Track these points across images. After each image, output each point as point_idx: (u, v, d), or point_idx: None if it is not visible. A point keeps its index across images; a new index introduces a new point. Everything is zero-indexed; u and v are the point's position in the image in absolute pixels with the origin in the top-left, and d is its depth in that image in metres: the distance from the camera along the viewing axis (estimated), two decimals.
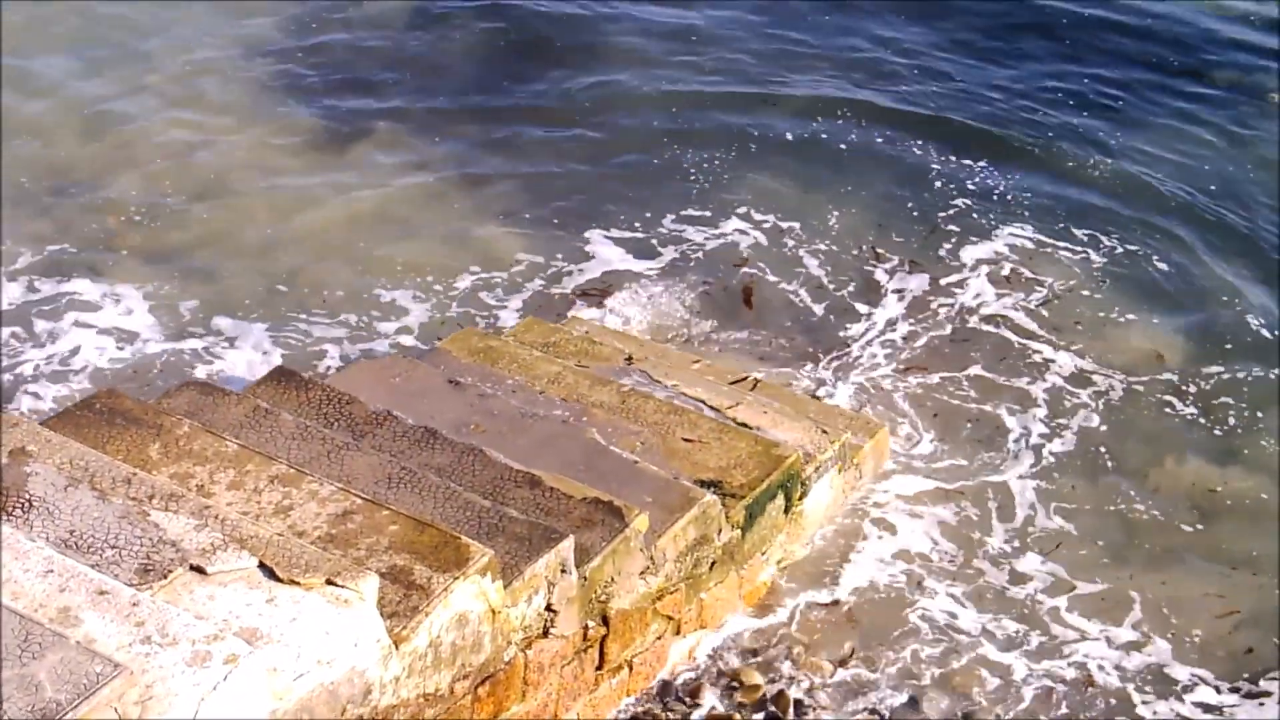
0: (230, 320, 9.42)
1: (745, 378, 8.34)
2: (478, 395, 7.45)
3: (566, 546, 6.16)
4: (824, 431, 7.81)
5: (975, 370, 9.25)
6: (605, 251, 10.21)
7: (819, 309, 9.73)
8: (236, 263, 9.96)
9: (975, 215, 10.78)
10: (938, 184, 11.13)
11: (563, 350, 8.39)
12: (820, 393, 8.87)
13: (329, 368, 8.96)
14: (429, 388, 7.49)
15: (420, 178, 11.01)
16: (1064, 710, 7.14)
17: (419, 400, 7.36)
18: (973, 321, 9.68)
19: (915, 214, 10.77)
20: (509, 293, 9.77)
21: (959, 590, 7.71)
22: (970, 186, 11.12)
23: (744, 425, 7.70)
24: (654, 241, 10.33)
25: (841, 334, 9.51)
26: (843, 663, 7.25)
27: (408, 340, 9.31)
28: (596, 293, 9.71)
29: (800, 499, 7.59)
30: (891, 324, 9.60)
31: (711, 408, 7.84)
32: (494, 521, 6.19)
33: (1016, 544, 8.02)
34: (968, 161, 11.42)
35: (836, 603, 7.55)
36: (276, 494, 6.10)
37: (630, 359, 8.36)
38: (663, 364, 8.36)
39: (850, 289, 9.94)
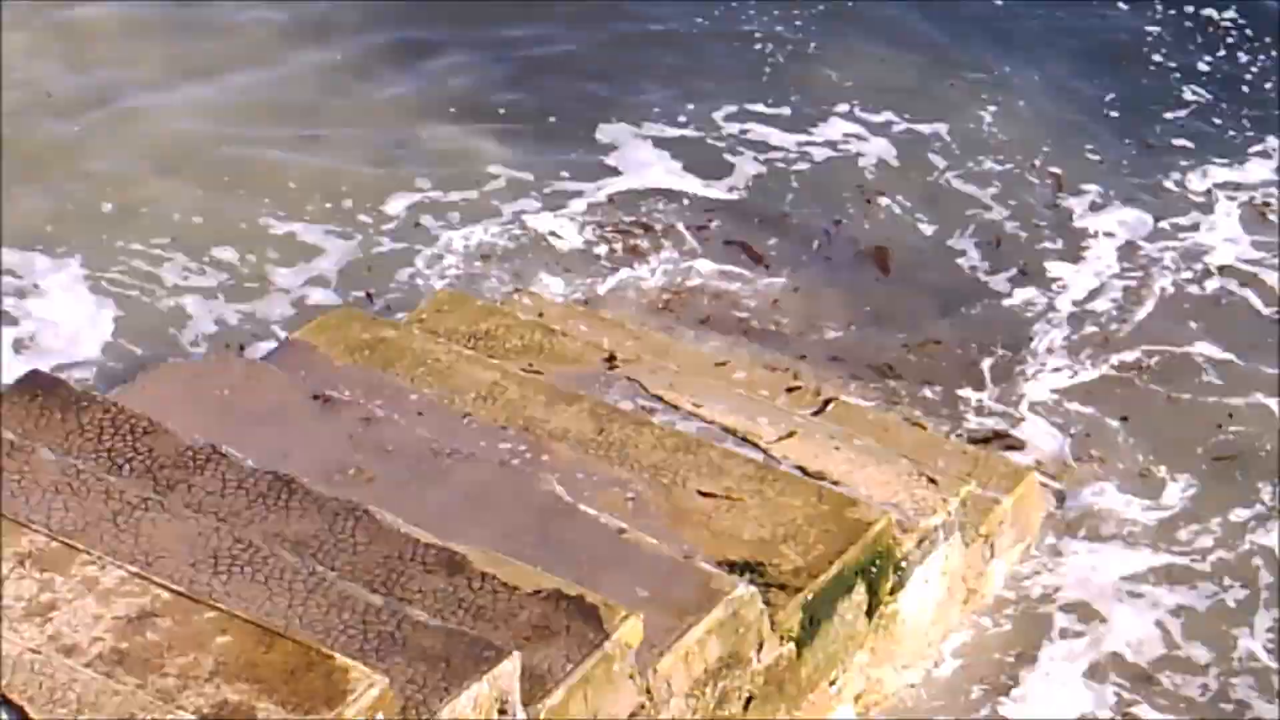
0: (24, 254, 9.69)
1: (804, 387, 8.52)
2: (361, 420, 7.62)
3: (508, 671, 6.28)
4: (932, 481, 7.94)
5: (1216, 353, 9.59)
6: (637, 157, 10.61)
7: (987, 275, 10.13)
8: (20, 162, 10.20)
9: (1217, 117, 11.01)
10: (1155, 58, 11.46)
11: (502, 344, 8.57)
12: (984, 407, 9.22)
13: (198, 336, 9.29)
14: (281, 407, 7.64)
15: (327, 42, 11.32)
16: None
17: (264, 428, 7.49)
18: (1212, 286, 10.01)
19: (1119, 115, 11.10)
20: (476, 220, 10.21)
21: None
22: (1204, 66, 11.31)
23: (802, 470, 7.82)
24: (714, 144, 10.69)
25: (1015, 309, 9.87)
26: None
27: (321, 295, 9.73)
28: (638, 231, 10.05)
29: (893, 592, 7.70)
30: (1093, 293, 9.95)
31: (748, 441, 7.96)
32: (389, 629, 6.32)
33: None
34: (1207, 15, 11.61)
35: None
36: (29, 584, 6.21)
37: (612, 359, 8.50)
38: (666, 367, 8.48)
39: (1029, 237, 10.31)
